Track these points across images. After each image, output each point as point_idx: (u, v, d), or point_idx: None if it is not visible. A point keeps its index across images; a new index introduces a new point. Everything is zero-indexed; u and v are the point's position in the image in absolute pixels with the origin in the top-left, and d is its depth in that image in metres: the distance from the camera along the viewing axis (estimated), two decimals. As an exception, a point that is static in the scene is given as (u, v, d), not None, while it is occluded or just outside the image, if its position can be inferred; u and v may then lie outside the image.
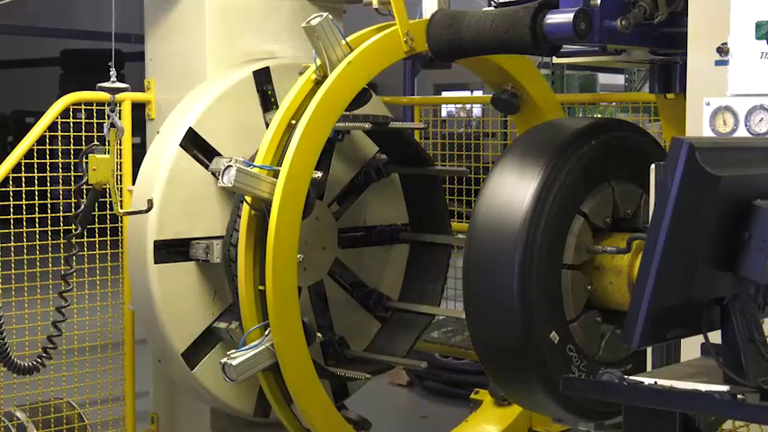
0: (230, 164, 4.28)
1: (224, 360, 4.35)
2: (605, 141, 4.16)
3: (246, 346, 4.40)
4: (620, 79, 10.73)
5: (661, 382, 2.52)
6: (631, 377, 2.57)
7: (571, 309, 4.03)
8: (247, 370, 4.37)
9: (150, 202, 4.57)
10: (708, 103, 3.57)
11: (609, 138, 4.19)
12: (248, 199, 4.43)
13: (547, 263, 3.92)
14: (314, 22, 4.47)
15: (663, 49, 4.53)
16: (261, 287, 4.44)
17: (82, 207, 4.53)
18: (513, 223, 3.91)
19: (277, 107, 5.01)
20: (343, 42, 4.55)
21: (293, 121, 4.50)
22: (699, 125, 3.60)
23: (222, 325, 4.83)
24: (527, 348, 3.90)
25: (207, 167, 4.86)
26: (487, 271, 3.96)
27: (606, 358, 4.15)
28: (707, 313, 2.64)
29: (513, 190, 3.98)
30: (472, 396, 5.64)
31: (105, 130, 4.43)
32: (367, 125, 4.89)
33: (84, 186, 4.49)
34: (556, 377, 3.91)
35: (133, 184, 5.16)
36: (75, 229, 4.52)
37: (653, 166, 3.34)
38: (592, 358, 4.10)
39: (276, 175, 4.39)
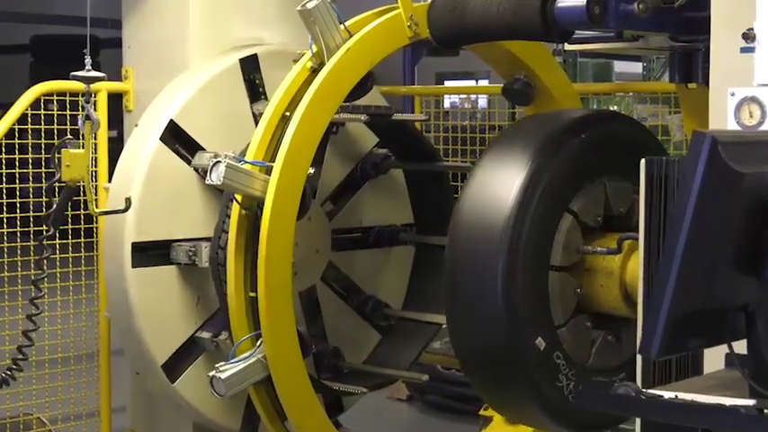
0: (219, 159, 4.29)
1: (212, 373, 4.36)
2: (597, 135, 4.19)
3: (236, 359, 4.41)
4: (637, 68, 10.74)
5: (682, 395, 2.53)
6: (650, 390, 2.58)
7: (559, 313, 4.07)
8: (238, 384, 4.38)
9: (128, 201, 4.58)
10: (732, 94, 3.57)
11: (601, 131, 4.22)
12: (239, 198, 4.44)
13: (533, 264, 3.96)
14: (310, 5, 4.47)
15: (684, 34, 4.54)
16: (252, 294, 4.45)
17: (54, 206, 4.54)
18: (496, 222, 3.94)
19: (266, 97, 5.02)
20: (342, 27, 4.56)
21: (287, 113, 4.51)
22: (723, 117, 3.60)
23: (206, 335, 4.84)
24: (511, 355, 3.94)
25: (189, 163, 4.87)
26: (469, 273, 4.00)
27: (597, 366, 4.20)
28: (731, 321, 2.64)
29: (497, 187, 4.02)
30: (481, 412, 5.65)
31: (80, 122, 4.43)
32: (363, 117, 4.90)
33: (57, 184, 4.50)
34: (542, 386, 3.96)
35: (109, 181, 5.17)
36: (47, 231, 4.53)
37: (642, 161, 3.39)
38: (581, 366, 4.14)
39: (269, 171, 4.40)
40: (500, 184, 4.01)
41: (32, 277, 4.71)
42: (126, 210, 4.59)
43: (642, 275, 3.48)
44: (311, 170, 4.49)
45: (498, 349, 3.97)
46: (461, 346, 4.15)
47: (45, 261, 4.66)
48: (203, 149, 4.87)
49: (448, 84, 15.93)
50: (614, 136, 4.27)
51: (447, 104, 8.51)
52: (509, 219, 3.91)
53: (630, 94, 7.14)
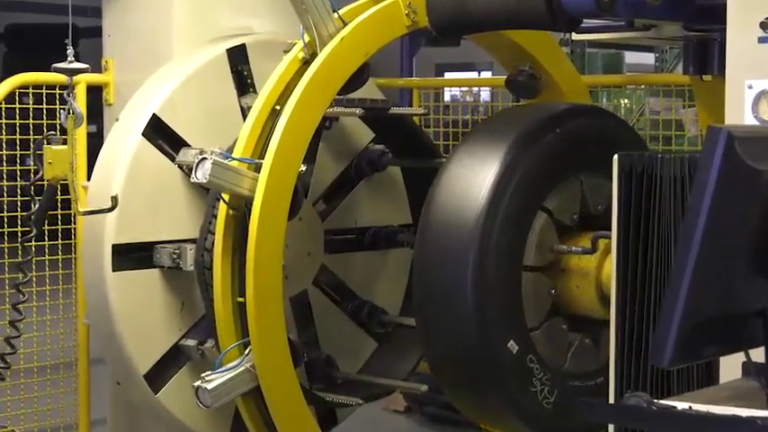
0: (205, 156, 4.29)
1: (197, 383, 4.36)
2: (573, 130, 4.24)
3: (223, 368, 4.41)
4: (649, 59, 10.75)
5: (696, 406, 2.54)
6: (662, 401, 2.59)
7: (533, 315, 4.13)
8: (225, 395, 4.38)
9: (114, 200, 4.58)
10: (750, 87, 3.59)
11: (577, 125, 4.27)
12: (226, 197, 4.45)
13: (505, 264, 4.02)
14: (301, -7, 4.48)
15: (698, 23, 4.55)
16: (240, 299, 4.45)
17: (37, 206, 4.54)
18: (466, 220, 3.99)
19: (254, 90, 5.02)
20: (336, 16, 4.56)
21: (277, 107, 4.52)
22: (739, 111, 3.62)
23: (191, 342, 4.85)
24: (482, 359, 3.99)
25: (173, 160, 4.87)
26: (438, 273, 4.07)
27: (573, 370, 4.26)
28: (748, 327, 2.65)
29: (467, 183, 4.07)
30: (483, 425, 5.66)
31: (62, 117, 4.43)
32: (358, 111, 4.91)
33: (38, 182, 4.49)
34: (515, 391, 4.02)
35: (88, 179, 5.17)
36: (30, 232, 4.53)
37: (615, 156, 3.42)
38: (557, 370, 4.20)
39: (258, 169, 4.40)
40: (471, 180, 4.07)
41: (8, 281, 4.70)
42: (112, 209, 4.59)
43: (615, 275, 3.52)
44: (303, 167, 4.50)
45: (468, 353, 4.03)
46: (430, 350, 4.22)
47: (26, 264, 4.66)
48: (188, 145, 4.88)
49: (448, 76, 15.95)
50: (592, 131, 4.32)
51: (447, 98, 8.52)
52: (479, 217, 3.97)
53: (642, 86, 7.16)
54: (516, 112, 4.51)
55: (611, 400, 3.64)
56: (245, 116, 4.84)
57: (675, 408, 2.53)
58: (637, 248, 3.52)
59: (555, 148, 4.18)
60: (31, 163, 4.65)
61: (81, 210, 4.66)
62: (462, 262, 3.99)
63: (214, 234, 4.56)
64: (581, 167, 4.26)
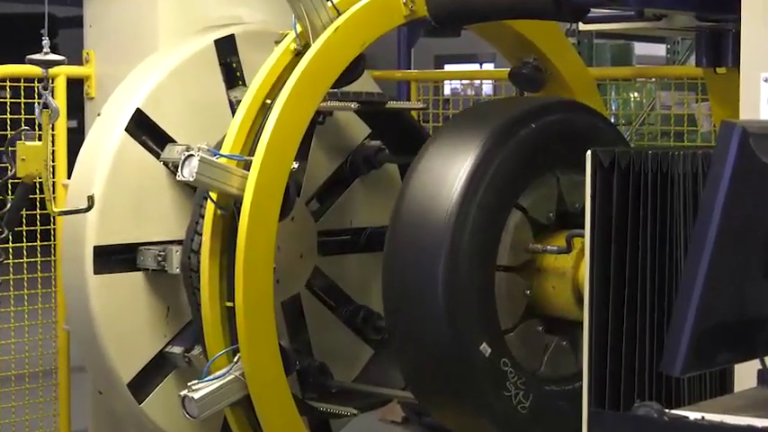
0: (192, 153, 4.29)
1: (184, 393, 4.37)
2: (549, 124, 4.30)
3: (211, 376, 4.41)
4: (660, 50, 10.76)
5: (709, 416, 2.54)
6: (673, 411, 2.59)
7: (506, 317, 4.20)
8: (213, 405, 4.38)
9: (91, 200, 4.59)
10: (766, 80, 3.59)
11: (554, 120, 4.34)
12: (214, 196, 4.45)
13: (477, 264, 4.07)
14: (293, -20, 4.49)
15: (712, 13, 4.56)
16: (229, 303, 4.46)
17: (9, 205, 4.54)
18: (437, 218, 4.06)
19: (244, 83, 5.03)
20: (330, 4, 4.57)
21: (268, 101, 4.52)
22: (755, 105, 3.62)
23: (177, 350, 4.85)
24: (453, 362, 4.06)
25: (158, 157, 4.88)
26: (408, 273, 4.13)
27: (550, 374, 4.32)
28: (763, 333, 2.66)
29: (438, 180, 4.12)
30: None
31: (37, 111, 4.43)
32: (353, 105, 4.91)
33: (11, 180, 4.50)
34: (488, 395, 4.09)
35: (69, 177, 5.17)
36: (1, 233, 4.53)
37: (588, 152, 3.47)
38: (532, 374, 4.26)
39: (247, 166, 4.41)
40: (442, 176, 4.12)
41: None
42: (88, 209, 4.60)
43: (588, 275, 3.56)
44: (295, 165, 4.50)
45: (439, 356, 4.09)
46: (401, 353, 4.28)
47: (1, 266, 4.67)
48: (174, 141, 4.88)
49: (448, 68, 15.95)
50: (569, 126, 4.38)
51: (447, 91, 8.52)
52: (450, 215, 4.04)
53: (653, 79, 7.17)
54: (490, 106, 4.58)
55: (585, 408, 3.67)
56: (233, 110, 4.85)
57: (687, 418, 2.54)
58: (610, 249, 3.56)
59: (530, 143, 4.24)
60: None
61: (56, 209, 4.66)
62: (432, 261, 4.05)
63: (201, 235, 4.57)
64: (557, 163, 4.32)
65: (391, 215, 4.28)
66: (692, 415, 2.55)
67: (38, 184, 4.65)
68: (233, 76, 5.08)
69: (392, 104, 5.22)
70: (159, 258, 4.78)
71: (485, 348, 4.09)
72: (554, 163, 4.32)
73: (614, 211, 3.49)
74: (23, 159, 4.42)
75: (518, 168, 4.22)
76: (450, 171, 4.13)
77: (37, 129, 4.56)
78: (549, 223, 4.35)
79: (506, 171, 4.15)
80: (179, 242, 4.81)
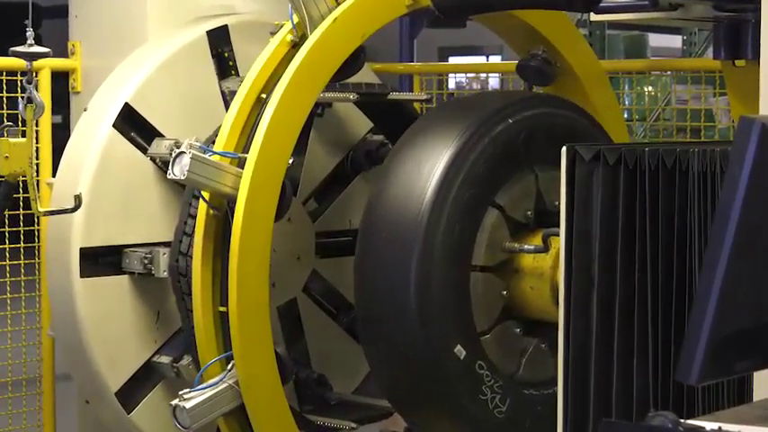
0: (183, 150, 4.30)
1: (175, 402, 4.37)
2: (527, 120, 4.36)
3: (203, 384, 4.42)
4: (676, 41, 10.75)
5: (726, 426, 2.55)
6: (689, 421, 2.60)
7: (482, 318, 4.27)
8: (205, 414, 4.38)
9: (78, 199, 4.59)
10: (787, 73, 3.60)
11: (532, 116, 4.40)
12: (206, 195, 4.46)
13: (451, 264, 4.15)
14: (288, -33, 4.50)
15: (730, 3, 4.57)
16: (222, 308, 4.46)
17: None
18: (410, 217, 4.13)
19: (237, 73, 5.03)
20: (327, -6, 4.58)
21: (263, 96, 4.53)
22: (775, 101, 3.63)
23: (165, 359, 4.85)
24: (426, 365, 4.12)
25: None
26: (380, 273, 4.22)
27: (528, 378, 4.38)
28: (785, 340, 2.67)
29: (412, 177, 4.19)
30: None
31: (20, 106, 4.44)
32: (352, 96, 4.91)
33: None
34: (463, 399, 4.16)
35: (53, 175, 5.17)
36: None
37: (563, 148, 3.51)
38: (510, 378, 4.33)
39: (242, 164, 4.41)
40: (416, 173, 4.19)
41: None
42: (75, 209, 4.60)
43: (564, 274, 3.59)
44: (291, 160, 4.50)
45: (411, 358, 4.16)
46: (373, 356, 4.36)
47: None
48: (162, 136, 4.88)
49: (452, 60, 15.95)
50: (548, 121, 4.44)
51: (452, 85, 8.53)
52: (423, 213, 4.11)
53: (668, 72, 7.17)
54: (466, 101, 4.65)
55: (560, 414, 3.70)
56: (226, 102, 4.86)
57: (704, 428, 2.55)
58: (588, 248, 3.60)
59: (507, 139, 4.31)
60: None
61: (42, 209, 4.66)
62: (404, 262, 4.13)
63: (190, 236, 4.57)
64: (536, 160, 4.38)
65: (363, 215, 4.36)
66: (709, 425, 2.56)
67: (21, 183, 4.65)
68: (225, 66, 5.08)
69: (394, 96, 5.22)
70: (146, 261, 4.78)
71: (459, 351, 4.16)
72: (533, 160, 4.39)
73: (593, 209, 3.54)
74: (7, 157, 4.43)
75: (494, 165, 4.29)
76: (423, 169, 4.21)
77: (20, 125, 4.57)
78: (527, 222, 4.42)
79: (482, 168, 4.23)
80: (168, 244, 4.81)
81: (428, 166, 4.20)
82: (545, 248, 4.24)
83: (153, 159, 4.86)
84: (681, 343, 3.52)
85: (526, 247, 4.31)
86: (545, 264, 4.28)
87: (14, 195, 4.76)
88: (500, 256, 4.32)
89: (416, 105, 5.68)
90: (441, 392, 4.18)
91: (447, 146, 4.21)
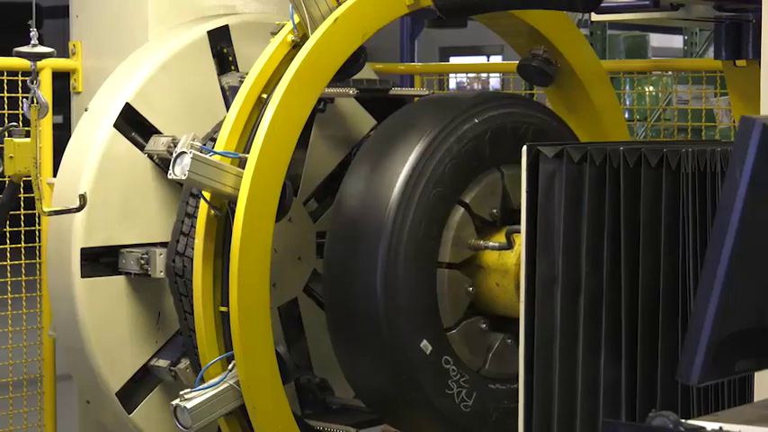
0: (184, 150, 4.29)
1: (176, 402, 4.37)
2: (493, 119, 4.45)
3: (204, 385, 4.42)
4: (677, 42, 10.76)
5: (727, 427, 2.55)
6: (690, 421, 2.60)
7: (448, 314, 4.38)
8: (206, 415, 4.38)
9: (83, 199, 4.59)
10: (788, 73, 3.60)
11: (498, 115, 4.49)
12: (207, 195, 4.46)
13: (418, 261, 4.25)
14: (289, -33, 4.49)
15: (732, 3, 4.57)
16: (223, 308, 4.46)
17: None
18: (377, 214, 4.25)
19: (236, 68, 5.03)
20: (329, -6, 4.58)
21: (264, 96, 4.53)
22: (777, 101, 3.63)
23: (162, 363, 4.84)
24: (392, 360, 4.24)
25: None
26: (347, 271, 4.33)
27: (495, 373, 4.48)
28: (786, 340, 2.67)
29: (378, 176, 4.31)
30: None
31: (25, 106, 4.43)
32: (351, 91, 4.90)
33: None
34: (429, 393, 4.27)
35: (54, 175, 5.18)
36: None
37: (524, 148, 3.57)
38: (476, 372, 4.44)
39: (242, 164, 4.41)
40: (382, 171, 4.30)
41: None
42: (80, 209, 4.60)
43: (525, 271, 3.63)
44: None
45: (378, 352, 4.28)
46: (340, 351, 4.47)
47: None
48: (161, 134, 4.87)
49: (453, 60, 15.96)
50: (515, 120, 4.53)
51: (453, 85, 8.53)
52: (389, 210, 4.22)
53: (669, 72, 7.17)
54: (433, 101, 4.73)
55: (521, 411, 3.73)
56: (225, 98, 4.86)
57: (705, 428, 2.55)
58: (549, 245, 3.64)
59: (473, 138, 4.40)
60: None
61: (46, 209, 4.66)
62: (370, 259, 4.24)
63: (187, 235, 4.57)
64: (502, 159, 4.46)
65: (332, 213, 4.46)
66: (710, 426, 2.56)
67: (27, 184, 4.65)
68: (226, 66, 5.08)
69: (396, 91, 5.21)
70: (142, 261, 4.77)
71: (425, 346, 4.26)
72: (499, 158, 4.48)
73: (555, 206, 3.59)
74: (11, 157, 4.43)
75: (460, 164, 4.38)
76: (390, 167, 4.31)
77: (25, 125, 4.57)
78: (493, 220, 4.51)
79: (448, 167, 4.33)
80: (160, 244, 4.81)
81: (395, 164, 4.30)
82: (509, 245, 4.33)
83: (150, 156, 4.85)
84: (647, 337, 3.58)
85: (491, 244, 4.41)
86: (509, 261, 4.37)
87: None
88: (466, 254, 4.42)
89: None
90: (407, 387, 4.29)
91: (413, 145, 4.32)
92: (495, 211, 4.49)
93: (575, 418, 3.64)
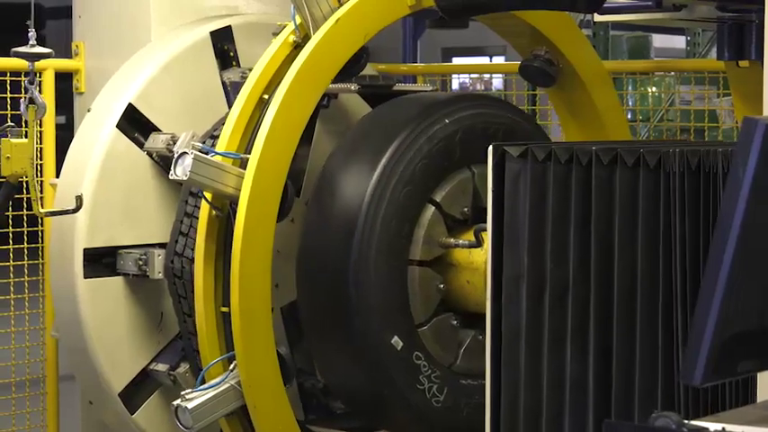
0: (185, 150, 4.29)
1: (177, 402, 4.37)
2: (464, 119, 4.55)
3: (205, 385, 4.41)
4: (680, 42, 10.76)
5: (730, 427, 2.55)
6: (693, 422, 2.59)
7: (420, 311, 4.47)
8: (207, 415, 4.38)
9: (79, 200, 4.59)
10: (791, 74, 3.59)
11: (468, 116, 4.57)
12: (208, 195, 4.45)
13: (388, 259, 4.35)
14: (291, -32, 4.49)
15: (734, 3, 4.56)
16: (224, 309, 4.46)
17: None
18: (348, 213, 4.34)
19: (238, 64, 5.03)
20: (330, -6, 4.58)
21: (265, 96, 4.52)
22: (779, 101, 3.62)
23: (162, 367, 4.83)
24: (363, 355, 4.34)
25: (151, 155, 4.88)
26: (320, 269, 4.43)
27: (466, 369, 4.57)
28: (789, 340, 2.66)
29: (350, 175, 4.42)
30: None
31: (22, 107, 4.44)
32: (353, 87, 4.89)
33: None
34: (400, 388, 4.37)
35: (57, 175, 5.17)
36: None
37: (490, 147, 3.68)
38: (448, 368, 4.53)
39: (244, 164, 4.41)
40: (354, 170, 4.41)
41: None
42: (77, 210, 4.59)
43: (491, 269, 3.68)
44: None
45: (350, 349, 4.38)
46: (314, 347, 4.57)
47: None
48: (161, 132, 4.87)
49: (456, 61, 15.96)
50: (485, 121, 4.61)
51: (455, 85, 8.53)
52: (361, 208, 4.30)
53: (672, 73, 7.17)
54: (404, 101, 4.78)
55: (488, 406, 3.75)
56: (227, 94, 4.86)
57: (708, 429, 2.54)
58: (515, 243, 3.69)
59: (444, 137, 4.49)
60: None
61: (43, 210, 4.66)
62: (342, 256, 4.33)
63: (186, 236, 4.57)
64: (473, 158, 4.53)
65: (305, 214, 4.55)
66: (713, 426, 2.56)
67: (24, 184, 4.65)
68: (227, 59, 5.07)
69: (400, 87, 5.21)
70: (140, 262, 4.77)
71: (396, 342, 4.34)
72: (469, 157, 4.55)
73: (520, 204, 3.64)
74: (8, 157, 4.42)
75: (431, 164, 4.46)
76: (362, 166, 4.40)
77: (23, 125, 4.57)
78: (464, 218, 4.58)
79: (419, 167, 4.42)
80: (158, 245, 4.80)
81: (366, 164, 4.39)
82: (478, 243, 4.40)
83: (149, 154, 4.85)
84: (613, 333, 3.59)
85: (461, 242, 4.49)
86: (479, 258, 4.44)
87: (18, 196, 4.75)
88: (437, 251, 4.50)
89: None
90: (379, 382, 4.38)
91: (384, 145, 4.39)
92: (466, 209, 4.57)
93: (541, 412, 3.68)
